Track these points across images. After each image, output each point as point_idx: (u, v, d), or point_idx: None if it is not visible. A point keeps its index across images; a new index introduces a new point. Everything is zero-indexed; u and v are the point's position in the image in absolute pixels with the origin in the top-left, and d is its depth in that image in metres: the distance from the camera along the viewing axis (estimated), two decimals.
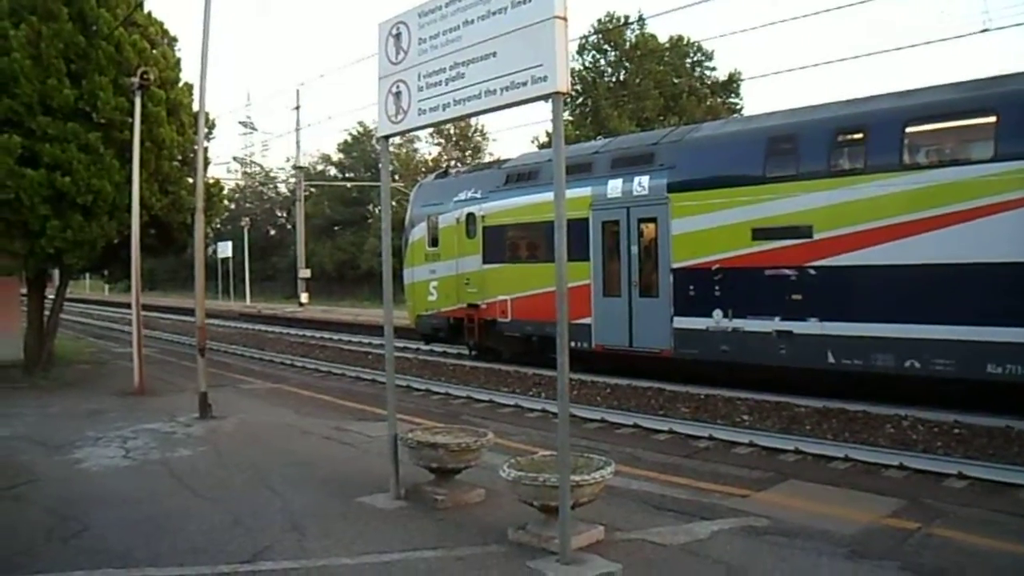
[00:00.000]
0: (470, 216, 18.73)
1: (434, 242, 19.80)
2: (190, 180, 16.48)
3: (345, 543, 6.31)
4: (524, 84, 5.91)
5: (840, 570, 5.75)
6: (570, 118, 45.56)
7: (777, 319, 13.07)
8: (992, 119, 11.16)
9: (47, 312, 17.89)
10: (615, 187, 15.51)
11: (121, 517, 7.16)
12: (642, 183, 15.06)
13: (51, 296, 18.76)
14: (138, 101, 14.70)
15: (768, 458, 9.65)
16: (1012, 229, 10.67)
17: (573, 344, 13.36)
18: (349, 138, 62.86)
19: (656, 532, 6.52)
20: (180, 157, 17.02)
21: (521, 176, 17.92)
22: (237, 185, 69.28)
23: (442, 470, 7.34)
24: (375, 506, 7.32)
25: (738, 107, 47.08)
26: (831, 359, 12.44)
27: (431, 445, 7.22)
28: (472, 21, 6.42)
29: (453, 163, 50.85)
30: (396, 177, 50.35)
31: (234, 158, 69.14)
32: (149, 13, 17.20)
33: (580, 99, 47.55)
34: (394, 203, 37.15)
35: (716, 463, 9.40)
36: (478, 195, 18.70)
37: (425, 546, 6.20)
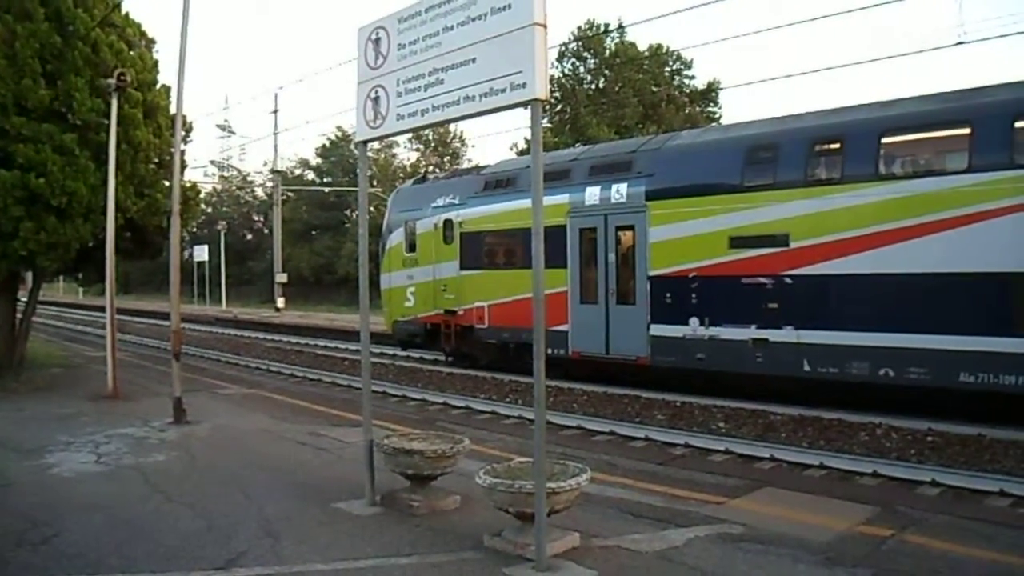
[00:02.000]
0: (448, 222, 18.71)
1: (411, 248, 19.76)
2: (166, 183, 16.37)
3: (320, 549, 6.27)
4: (503, 90, 5.92)
5: None
6: (549, 125, 45.60)
7: (753, 327, 13.14)
8: (966, 131, 11.30)
9: (19, 315, 17.68)
10: (593, 194, 15.55)
11: (93, 523, 7.08)
12: (620, 191, 15.10)
13: (23, 299, 18.54)
14: (114, 103, 14.58)
15: (744, 465, 9.69)
16: (985, 240, 10.80)
17: (550, 351, 13.37)
18: (327, 143, 62.66)
19: (632, 539, 6.53)
20: (156, 160, 16.90)
21: (499, 183, 17.92)
22: (214, 189, 68.91)
23: (418, 476, 7.31)
24: (350, 512, 7.29)
25: (716, 116, 47.43)
26: (807, 367, 12.53)
27: (407, 451, 7.19)
28: (452, 27, 6.42)
29: (431, 169, 50.84)
30: (374, 182, 50.21)
31: (211, 161, 68.89)
32: (127, 14, 17.11)
33: (559, 106, 47.65)
34: (372, 208, 37.07)
35: (692, 470, 9.42)
36: (456, 201, 18.69)
37: (400, 553, 6.18)
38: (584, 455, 9.76)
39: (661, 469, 9.52)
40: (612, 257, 15.39)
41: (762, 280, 13.03)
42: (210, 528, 6.86)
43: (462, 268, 18.29)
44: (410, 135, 51.98)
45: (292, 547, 6.33)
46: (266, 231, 64.34)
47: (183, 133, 14.42)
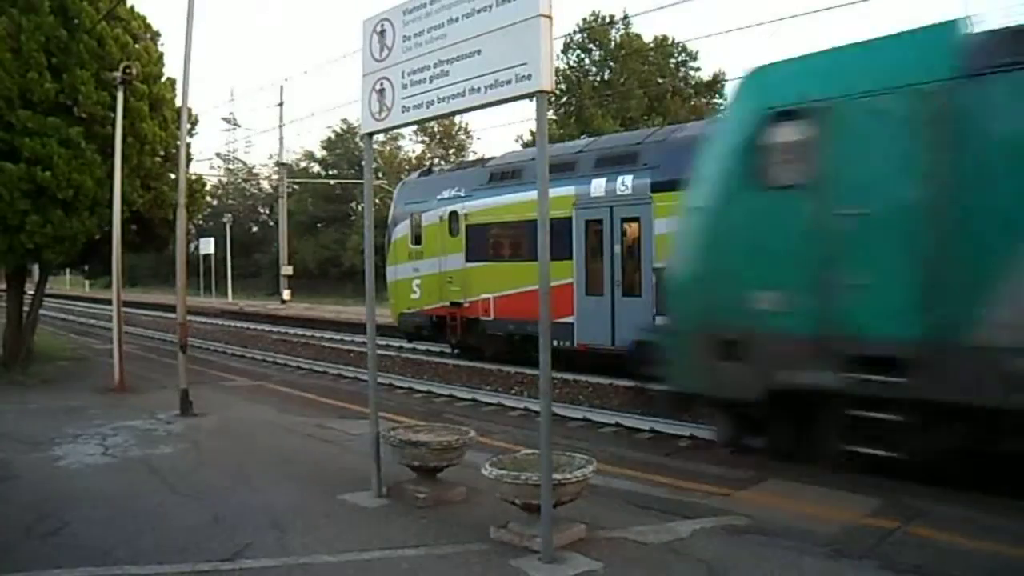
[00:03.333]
0: (453, 214, 18.72)
1: (417, 240, 19.78)
2: (172, 176, 16.38)
3: (326, 541, 6.29)
4: (508, 82, 5.90)
5: (821, 569, 5.77)
6: (554, 117, 45.56)
7: None
8: None
9: (26, 308, 17.72)
10: (598, 186, 15.54)
11: (100, 515, 7.10)
12: (625, 182, 15.08)
13: (30, 292, 18.59)
14: (120, 96, 14.57)
15: (750, 457, 9.66)
16: None
17: (555, 343, 13.33)
18: (333, 135, 62.74)
19: (638, 531, 6.53)
20: (162, 152, 16.90)
21: (504, 175, 17.92)
22: (220, 181, 69.09)
23: (424, 468, 7.32)
24: (357, 504, 7.30)
25: (722, 107, 47.23)
26: None
27: (413, 443, 7.20)
28: (457, 19, 6.40)
29: (437, 161, 50.81)
30: (379, 175, 50.24)
31: (217, 154, 69.13)
32: (132, 7, 17.08)
33: (564, 98, 47.60)
34: (377, 201, 37.08)
35: (698, 462, 9.41)
36: (461, 193, 18.69)
37: (407, 544, 6.19)
38: (590, 447, 9.73)
39: (667, 461, 9.53)
40: (617, 249, 15.37)
41: None
42: (217, 520, 6.88)
43: (468, 260, 18.31)
44: (415, 127, 51.99)
45: (298, 539, 6.35)
46: (271, 224, 64.43)
47: (189, 126, 14.45)
